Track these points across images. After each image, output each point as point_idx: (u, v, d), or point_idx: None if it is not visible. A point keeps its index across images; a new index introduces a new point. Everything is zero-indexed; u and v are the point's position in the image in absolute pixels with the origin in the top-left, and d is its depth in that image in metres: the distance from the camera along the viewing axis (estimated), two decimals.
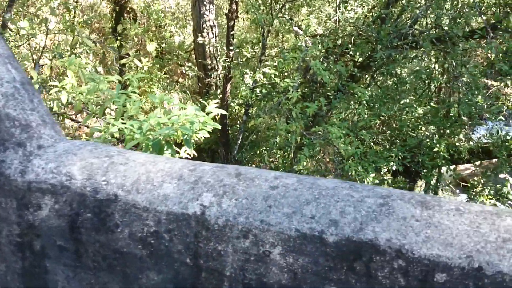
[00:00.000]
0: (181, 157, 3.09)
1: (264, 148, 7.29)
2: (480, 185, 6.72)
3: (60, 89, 3.77)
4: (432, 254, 1.20)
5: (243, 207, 1.35)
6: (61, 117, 4.54)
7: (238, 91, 6.92)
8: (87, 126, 6.77)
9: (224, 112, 3.32)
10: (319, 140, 5.65)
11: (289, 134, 5.94)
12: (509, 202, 6.57)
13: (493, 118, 5.61)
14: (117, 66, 5.58)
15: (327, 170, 6.77)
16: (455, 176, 6.08)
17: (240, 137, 6.69)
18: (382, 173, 7.20)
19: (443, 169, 10.52)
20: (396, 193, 1.37)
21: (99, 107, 3.42)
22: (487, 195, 6.54)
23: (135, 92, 3.62)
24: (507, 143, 6.11)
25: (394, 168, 7.35)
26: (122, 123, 3.05)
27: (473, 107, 5.27)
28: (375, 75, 6.65)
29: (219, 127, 2.99)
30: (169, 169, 1.49)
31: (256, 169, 1.50)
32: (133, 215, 1.43)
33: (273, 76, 5.73)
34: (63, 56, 5.66)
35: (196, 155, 3.44)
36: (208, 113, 3.19)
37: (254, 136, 8.32)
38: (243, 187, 1.40)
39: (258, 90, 6.50)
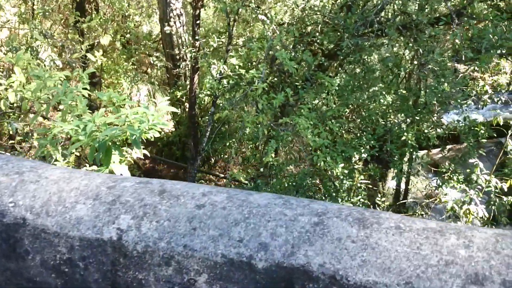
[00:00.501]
0: (131, 158, 2.92)
1: (234, 140, 7.14)
2: (450, 171, 6.72)
3: (6, 87, 3.54)
4: (369, 280, 1.08)
5: (165, 231, 1.21)
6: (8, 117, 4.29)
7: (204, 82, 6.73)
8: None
9: (174, 110, 3.15)
10: (286, 132, 5.52)
11: (258, 126, 5.80)
12: (478, 187, 6.59)
13: (459, 106, 5.57)
14: (76, 60, 5.32)
15: (297, 161, 6.67)
16: (424, 164, 6.04)
17: (209, 129, 6.52)
18: (353, 161, 7.14)
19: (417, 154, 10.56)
20: (333, 210, 1.24)
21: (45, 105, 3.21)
22: (456, 181, 6.54)
23: (86, 89, 3.41)
24: (474, 129, 6.10)
25: (365, 156, 7.30)
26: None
27: (439, 95, 5.22)
28: (343, 64, 6.54)
29: (168, 126, 2.82)
30: (85, 187, 1.33)
31: (184, 185, 1.35)
32: (44, 240, 1.27)
33: (237, 67, 5.56)
34: (18, 50, 5.37)
35: (148, 154, 3.27)
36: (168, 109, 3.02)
37: (225, 127, 8.15)
38: (166, 207, 1.26)
39: (225, 81, 6.32)
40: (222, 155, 8.27)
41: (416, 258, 1.09)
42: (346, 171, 6.01)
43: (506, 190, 6.70)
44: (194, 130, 7.22)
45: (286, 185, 6.48)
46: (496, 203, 6.77)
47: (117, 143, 2.66)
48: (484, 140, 5.94)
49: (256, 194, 1.32)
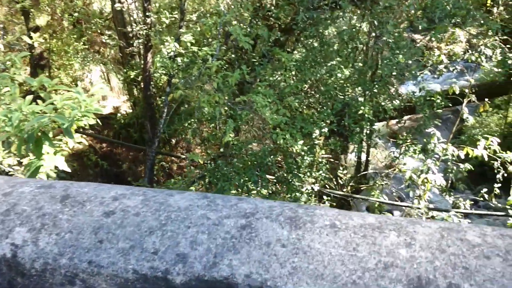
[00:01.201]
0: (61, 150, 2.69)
1: (193, 120, 6.91)
2: (409, 141, 6.74)
3: None
4: None
5: (66, 245, 1.03)
6: None
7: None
8: None
9: (108, 93, 2.91)
10: (244, 111, 5.34)
11: (215, 105, 5.59)
12: (436, 156, 6.64)
13: (412, 78, 5.52)
14: (18, 43, 4.95)
15: (259, 139, 6.53)
16: (381, 136, 6.01)
17: (166, 110, 6.27)
18: (313, 137, 7.06)
19: (376, 125, 10.61)
20: (263, 209, 1.09)
21: None
22: (413, 151, 6.57)
23: (19, 74, 3.12)
24: (430, 99, 6.09)
25: (325, 131, 7.22)
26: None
27: (394, 67, 5.14)
28: (300, 39, 6.37)
29: (102, 111, 2.59)
30: None
31: (93, 187, 1.17)
32: None
33: (189, 44, 5.30)
34: None
35: (86, 142, 3.04)
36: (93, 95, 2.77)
37: (184, 107, 7.89)
38: (69, 216, 1.07)
39: (179, 59, 6.04)
40: (183, 136, 8.02)
41: (352, 261, 0.95)
42: (306, 147, 5.91)
43: (463, 157, 6.79)
44: (150, 111, 6.94)
45: (248, 164, 6.35)
46: (453, 171, 6.85)
47: (48, 132, 2.42)
48: (440, 110, 5.94)
49: (177, 194, 1.15)
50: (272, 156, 6.66)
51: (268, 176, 7.38)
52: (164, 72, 6.86)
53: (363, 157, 10.39)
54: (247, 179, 5.95)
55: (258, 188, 6.48)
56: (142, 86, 7.27)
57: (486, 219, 11.35)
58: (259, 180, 6.11)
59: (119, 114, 8.52)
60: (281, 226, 1.03)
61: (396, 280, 0.91)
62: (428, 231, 1.00)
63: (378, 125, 10.75)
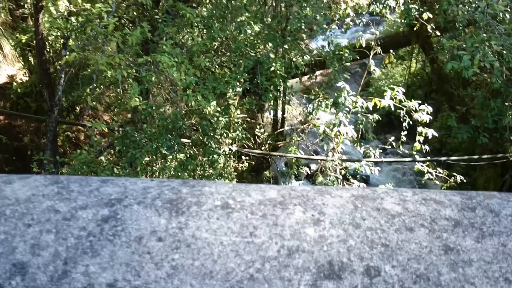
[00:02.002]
0: None
1: (95, 85, 6.32)
2: (321, 96, 6.73)
3: None
4: None
5: None
6: None
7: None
8: None
9: None
10: (149, 73, 4.93)
11: (116, 68, 5.10)
12: (346, 109, 6.71)
13: (320, 32, 5.42)
14: None
15: (170, 103, 6.15)
16: (294, 94, 5.92)
17: (62, 76, 5.64)
18: (228, 97, 6.81)
19: (289, 82, 10.59)
20: (135, 192, 0.83)
21: None
22: (325, 105, 6.59)
23: None
24: (339, 53, 6.06)
25: (239, 90, 6.98)
26: None
27: (302, 21, 4.98)
28: None
29: None
30: None
31: None
32: None
33: (80, 1, 4.71)
34: None
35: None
36: None
37: (87, 71, 7.22)
38: None
39: (73, 18, 5.41)
40: (80, 105, 7.38)
41: (248, 250, 0.73)
42: (220, 108, 5.66)
43: (371, 108, 6.93)
44: (47, 78, 6.23)
45: (160, 129, 5.98)
46: (363, 122, 7.00)
47: None
48: (348, 64, 5.94)
49: (18, 181, 0.85)
50: (185, 119, 6.34)
51: (184, 140, 7.08)
52: (58, 34, 6.16)
53: (279, 114, 10.39)
54: (160, 144, 5.60)
55: (174, 154, 6.17)
56: (36, 50, 6.49)
57: (394, 165, 12.02)
58: (174, 145, 5.79)
59: (15, 83, 7.63)
60: (157, 213, 0.78)
61: (302, 269, 0.71)
62: (339, 201, 0.81)
63: (291, 82, 10.76)
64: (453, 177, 7.66)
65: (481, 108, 5.37)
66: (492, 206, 0.79)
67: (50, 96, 6.12)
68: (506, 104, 5.12)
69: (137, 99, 5.01)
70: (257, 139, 9.43)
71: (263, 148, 9.47)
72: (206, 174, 6.47)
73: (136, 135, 5.81)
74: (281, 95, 7.63)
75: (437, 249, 0.72)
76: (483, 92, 5.35)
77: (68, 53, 4.67)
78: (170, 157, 6.58)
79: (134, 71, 5.45)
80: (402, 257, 0.71)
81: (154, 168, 6.39)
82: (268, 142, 9.62)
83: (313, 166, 10.97)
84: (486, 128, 5.49)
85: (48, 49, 6.60)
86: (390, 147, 7.42)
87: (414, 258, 0.71)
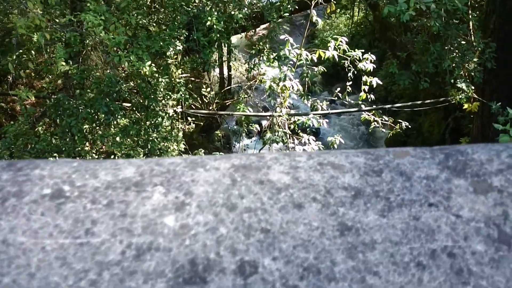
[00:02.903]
0: None
1: (21, 51, 5.78)
2: (265, 50, 6.49)
3: None
4: None
5: None
6: None
7: None
8: None
9: None
10: (73, 33, 4.50)
11: (38, 30, 4.63)
12: (291, 62, 6.53)
13: None
14: None
15: (108, 66, 5.72)
16: (236, 49, 5.63)
17: None
18: (168, 56, 6.43)
19: (234, 38, 10.21)
20: None
21: None
22: (269, 59, 6.39)
23: None
24: (277, 5, 5.79)
25: (179, 48, 6.60)
26: None
27: None
28: None
29: None
30: None
31: None
32: None
33: None
34: None
35: None
36: None
37: (11, 37, 6.58)
38: None
39: None
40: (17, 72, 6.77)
41: (81, 256, 0.53)
42: (155, 69, 5.31)
43: (316, 60, 6.78)
44: None
45: (95, 94, 5.59)
46: (308, 75, 6.85)
47: None
48: (287, 15, 5.68)
49: None
50: (123, 82, 5.95)
51: (125, 104, 6.70)
52: None
53: (226, 72, 10.07)
54: (96, 111, 5.23)
55: (115, 119, 5.82)
56: None
57: (344, 116, 12.09)
58: (111, 110, 5.43)
59: None
60: None
61: (155, 274, 0.52)
62: (214, 176, 0.62)
63: (236, 38, 10.38)
64: (398, 124, 7.75)
65: (421, 53, 5.32)
66: (403, 167, 0.62)
67: None
68: (446, 47, 5.08)
69: (63, 63, 4.59)
70: (204, 99, 9.13)
71: (210, 107, 9.20)
72: (150, 139, 6.18)
73: (69, 102, 5.40)
74: (224, 52, 7.32)
75: (331, 230, 0.55)
76: (423, 37, 5.28)
77: None
78: (115, 123, 6.23)
79: (59, 33, 4.98)
80: (286, 245, 0.54)
81: (95, 136, 6.04)
82: (216, 101, 9.34)
83: (264, 123, 10.84)
84: (427, 73, 5.47)
85: None
86: (336, 98, 7.36)
87: (301, 245, 0.53)
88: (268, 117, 7.92)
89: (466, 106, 5.43)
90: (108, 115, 5.27)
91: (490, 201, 0.58)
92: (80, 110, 5.42)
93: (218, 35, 4.98)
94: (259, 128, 10.79)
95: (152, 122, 6.21)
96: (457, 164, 0.62)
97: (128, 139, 5.93)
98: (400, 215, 0.57)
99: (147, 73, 5.10)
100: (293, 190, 0.59)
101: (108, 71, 5.62)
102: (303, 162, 0.64)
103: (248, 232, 0.54)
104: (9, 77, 7.85)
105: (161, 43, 5.39)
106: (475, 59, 4.84)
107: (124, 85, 6.02)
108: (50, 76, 6.85)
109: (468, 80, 5.04)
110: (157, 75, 6.00)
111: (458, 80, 4.92)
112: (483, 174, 0.61)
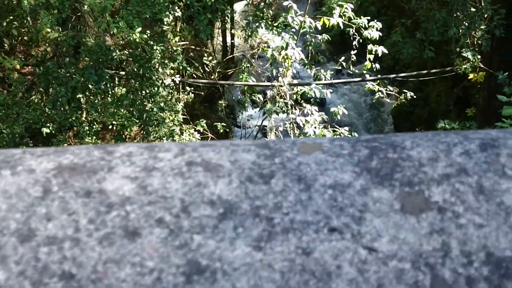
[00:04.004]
0: None
1: (11, 17, 5.55)
2: (265, 15, 6.21)
3: None
4: None
5: None
6: None
7: None
8: None
9: None
10: None
11: None
12: (293, 30, 6.25)
13: None
14: None
15: (92, 33, 5.47)
16: (235, 16, 5.34)
17: None
18: (165, 22, 6.16)
19: (236, 7, 9.84)
20: None
21: None
22: (272, 26, 6.12)
23: None
24: None
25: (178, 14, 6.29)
26: None
27: None
28: None
29: None
30: None
31: None
32: None
33: None
34: None
35: None
36: None
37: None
38: None
39: None
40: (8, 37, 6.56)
41: None
42: (147, 36, 5.06)
43: (319, 28, 6.50)
44: None
45: (87, 62, 5.38)
46: (312, 43, 6.57)
47: None
48: None
49: None
50: (114, 49, 5.70)
51: (122, 73, 6.49)
52: None
53: (229, 41, 9.76)
54: (86, 80, 5.03)
55: (107, 89, 5.63)
56: None
57: (348, 86, 11.75)
58: (104, 79, 5.22)
59: None
60: None
61: None
62: (20, 183, 0.42)
63: (241, 4, 9.99)
64: (403, 94, 7.46)
65: (427, 20, 5.00)
66: (305, 170, 0.42)
67: None
68: (453, 14, 4.75)
69: (49, 30, 4.37)
70: (206, 68, 8.85)
71: (212, 77, 8.94)
72: (146, 109, 6.00)
73: (60, 71, 5.20)
74: (226, 19, 7.01)
75: (173, 273, 0.35)
76: (428, 3, 4.95)
77: None
78: (111, 93, 6.04)
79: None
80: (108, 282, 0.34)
81: (87, 106, 5.85)
82: (218, 70, 9.07)
83: (269, 93, 10.56)
84: (433, 41, 5.16)
85: None
86: (340, 68, 7.08)
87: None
88: (270, 87, 7.66)
89: (471, 76, 5.13)
90: (98, 84, 5.07)
91: (425, 226, 0.38)
92: (71, 79, 5.23)
93: (214, 0, 4.69)
94: (262, 99, 10.52)
95: (148, 92, 6.01)
96: (383, 165, 0.42)
97: (122, 110, 5.75)
98: (283, 247, 0.37)
99: (137, 40, 4.86)
100: (132, 207, 0.39)
101: (100, 38, 5.38)
102: (167, 160, 0.44)
103: (40, 279, 0.35)
104: (5, 44, 7.64)
105: (153, 9, 5.12)
106: (482, 27, 4.51)
107: (117, 53, 5.79)
108: (46, 44, 6.62)
109: (475, 49, 4.72)
110: (152, 42, 5.75)
111: (464, 49, 4.61)
112: (419, 182, 0.41)
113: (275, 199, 0.40)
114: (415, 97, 7.30)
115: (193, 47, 8.69)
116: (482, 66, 4.97)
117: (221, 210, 0.39)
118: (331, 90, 7.66)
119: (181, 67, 6.33)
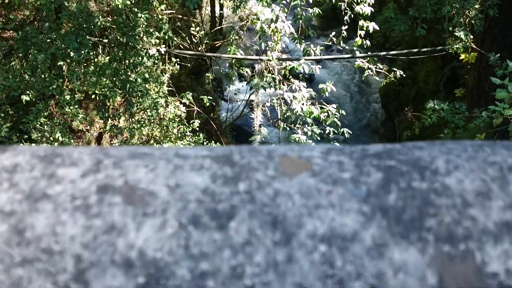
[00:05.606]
0: None
1: None
2: None
3: None
4: None
5: None
6: None
7: None
8: None
9: None
10: None
11: None
12: (284, 1, 6.02)
13: None
14: None
15: None
16: None
17: None
18: None
19: None
20: None
21: None
22: None
23: None
24: None
25: None
26: None
27: None
28: None
29: None
30: None
31: None
32: None
33: None
34: None
35: None
36: None
37: None
38: None
39: None
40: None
41: None
42: (129, 2, 4.78)
43: (311, 1, 6.29)
44: None
45: (68, 28, 5.08)
46: (303, 17, 6.35)
47: None
48: None
49: None
50: (96, 15, 5.39)
51: (105, 41, 6.21)
52: None
53: (218, 11, 9.41)
54: (66, 46, 4.75)
55: (88, 56, 5.35)
56: None
57: (338, 62, 11.52)
58: (84, 46, 4.95)
59: None
60: None
61: None
62: None
63: None
64: (392, 72, 7.30)
65: None
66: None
67: None
68: None
69: None
70: (194, 39, 8.53)
71: (199, 48, 8.63)
72: (130, 79, 5.75)
73: (39, 37, 4.90)
74: None
75: None
76: None
77: None
78: (94, 61, 5.76)
79: None
80: None
81: (68, 74, 5.57)
82: (205, 41, 8.75)
83: (257, 67, 10.28)
84: (425, 19, 4.97)
85: None
86: (331, 43, 6.87)
87: None
88: (258, 61, 7.43)
89: (463, 56, 4.98)
90: (79, 51, 4.79)
91: None
92: (52, 45, 4.95)
93: None
94: (250, 72, 10.24)
95: (131, 61, 5.76)
96: (407, 201, 0.26)
97: (104, 79, 5.50)
98: None
99: (119, 6, 4.59)
100: None
101: (82, 3, 5.07)
102: (68, 180, 0.28)
103: None
104: None
105: None
106: (476, 6, 4.34)
107: (100, 20, 5.48)
108: (30, 8, 6.25)
109: (468, 29, 4.56)
110: (136, 9, 5.47)
111: (456, 28, 4.44)
112: (466, 236, 0.25)
113: (234, 259, 0.24)
114: (404, 75, 7.16)
115: (180, 16, 8.34)
116: (474, 46, 4.82)
117: (141, 279, 0.23)
118: (320, 66, 7.46)
119: (167, 37, 6.06)
